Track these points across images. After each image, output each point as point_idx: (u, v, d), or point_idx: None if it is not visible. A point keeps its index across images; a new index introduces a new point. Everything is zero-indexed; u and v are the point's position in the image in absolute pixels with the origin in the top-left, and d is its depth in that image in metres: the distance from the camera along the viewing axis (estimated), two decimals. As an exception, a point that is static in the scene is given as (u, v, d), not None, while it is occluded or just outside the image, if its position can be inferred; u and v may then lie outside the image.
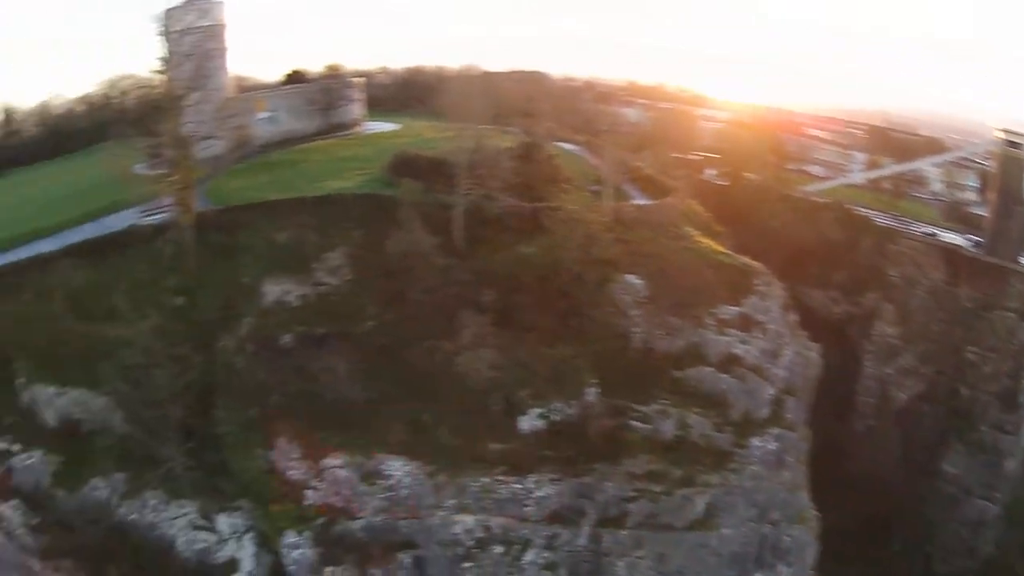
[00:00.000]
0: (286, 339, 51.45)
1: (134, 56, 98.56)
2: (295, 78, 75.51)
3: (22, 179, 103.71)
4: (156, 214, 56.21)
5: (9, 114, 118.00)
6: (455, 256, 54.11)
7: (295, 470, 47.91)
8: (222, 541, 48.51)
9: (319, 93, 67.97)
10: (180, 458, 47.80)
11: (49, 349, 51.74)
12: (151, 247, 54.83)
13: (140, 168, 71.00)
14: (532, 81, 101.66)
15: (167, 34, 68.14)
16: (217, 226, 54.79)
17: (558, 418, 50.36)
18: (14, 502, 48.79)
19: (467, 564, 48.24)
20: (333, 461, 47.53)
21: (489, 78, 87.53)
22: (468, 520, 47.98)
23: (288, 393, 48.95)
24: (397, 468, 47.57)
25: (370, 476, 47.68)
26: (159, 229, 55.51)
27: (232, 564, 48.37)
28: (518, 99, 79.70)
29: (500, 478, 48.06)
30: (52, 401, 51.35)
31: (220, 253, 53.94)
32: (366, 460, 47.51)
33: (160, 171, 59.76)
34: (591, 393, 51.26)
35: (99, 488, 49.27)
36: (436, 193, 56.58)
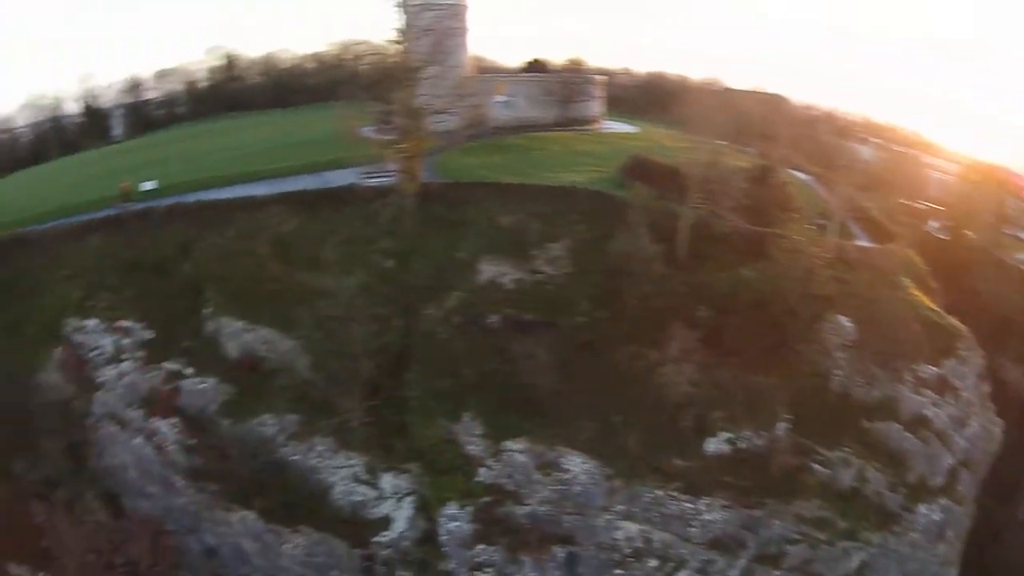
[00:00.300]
0: (493, 319, 51.56)
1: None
2: (535, 67, 75.81)
3: (242, 124, 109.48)
4: (379, 177, 57.56)
5: (232, 60, 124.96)
6: (675, 267, 52.81)
7: (474, 446, 48.14)
8: (381, 498, 49.12)
9: (558, 85, 67.77)
10: (359, 412, 48.46)
11: (245, 285, 53.56)
12: (368, 208, 55.76)
13: (367, 131, 73.49)
14: (772, 103, 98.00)
15: (406, 7, 69.86)
16: (441, 198, 55.52)
17: (744, 446, 49.05)
18: (174, 420, 50.93)
19: (619, 571, 47.61)
20: (514, 445, 47.47)
21: (730, 94, 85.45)
22: (632, 528, 47.25)
23: (484, 371, 49.12)
24: (576, 464, 47.22)
25: (547, 466, 47.45)
26: (380, 192, 56.49)
27: (385, 521, 49.02)
28: (757, 120, 76.99)
29: (673, 494, 47.23)
30: (238, 335, 52.78)
31: (438, 225, 54.63)
32: (547, 450, 47.17)
33: (389, 137, 61.24)
34: (781, 427, 49.63)
35: (267, 424, 50.43)
36: (666, 201, 55.09)
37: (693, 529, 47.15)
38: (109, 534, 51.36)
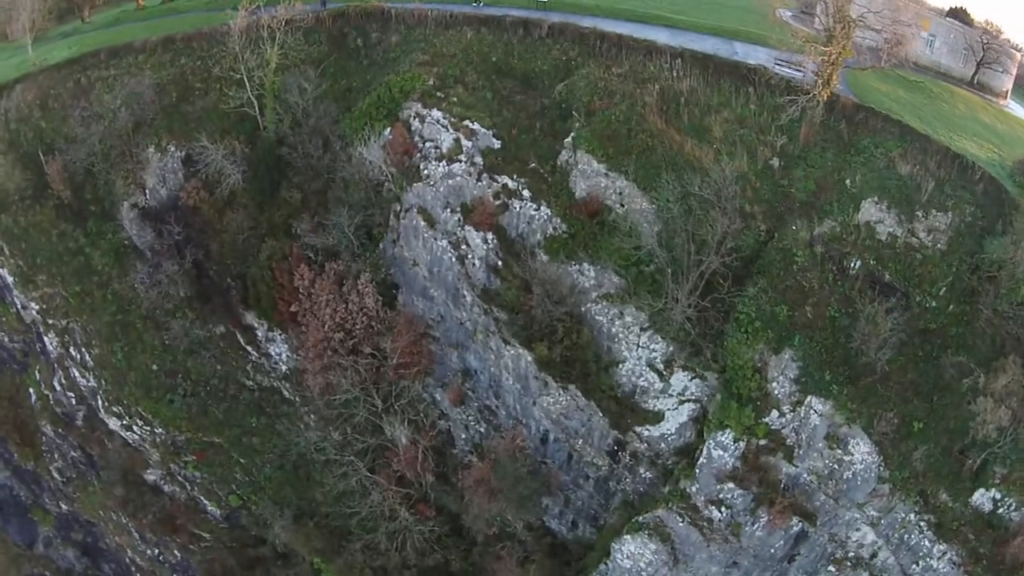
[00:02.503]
0: (855, 264, 45.04)
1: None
2: (956, 14, 67.04)
3: None
4: (791, 69, 50.84)
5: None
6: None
7: (779, 386, 42.96)
8: (665, 393, 44.76)
9: (978, 43, 59.47)
10: (686, 302, 43.49)
11: (617, 128, 47.09)
12: (772, 97, 48.69)
13: (787, 15, 66.23)
14: None
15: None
16: (845, 116, 48.40)
17: (1009, 515, 42.26)
18: (490, 235, 47.36)
19: (832, 568, 44.93)
20: (816, 403, 42.70)
21: None
22: (868, 536, 43.83)
23: (823, 314, 43.40)
24: (861, 451, 42.67)
25: (834, 439, 42.91)
26: (789, 85, 48.77)
27: (656, 416, 45.24)
28: None
29: (921, 526, 43.03)
30: (592, 176, 46.74)
31: (835, 142, 47.06)
32: (844, 424, 42.61)
33: (807, 29, 54.75)
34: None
35: (586, 275, 46.50)
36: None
37: (916, 568, 42.68)
38: (370, 319, 50.52)
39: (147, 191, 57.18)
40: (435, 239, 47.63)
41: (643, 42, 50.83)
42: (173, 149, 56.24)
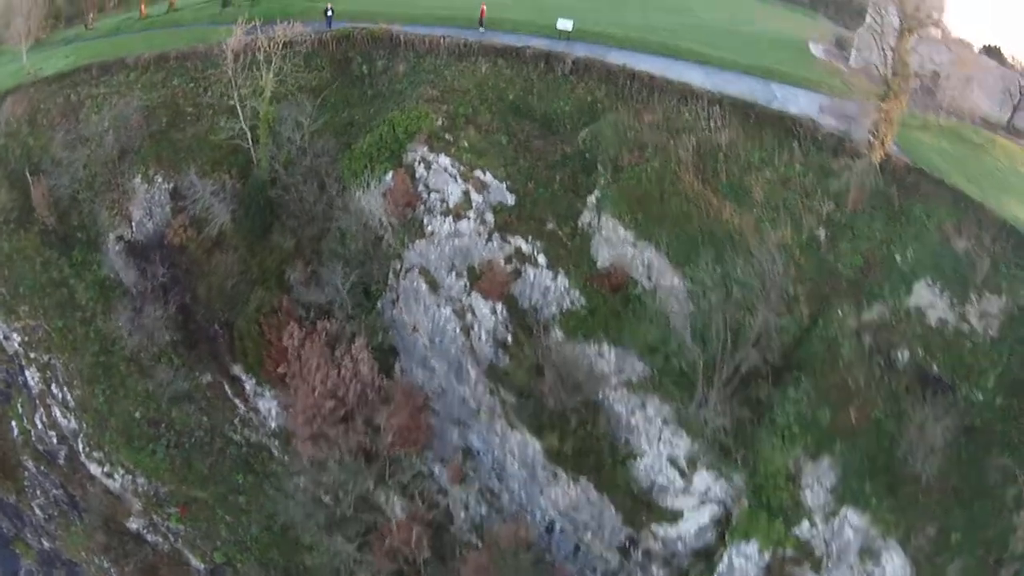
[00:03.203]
0: (903, 355, 36.83)
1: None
2: (991, 52, 58.01)
3: None
4: (841, 120, 41.82)
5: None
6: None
7: (812, 494, 35.69)
8: (686, 492, 37.72)
9: (1016, 85, 50.41)
10: (716, 395, 36.25)
11: (648, 189, 39.45)
12: (819, 154, 40.55)
13: (819, 50, 57.78)
14: None
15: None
16: (897, 179, 39.98)
17: None
18: (499, 306, 39.88)
19: None
20: (852, 515, 34.90)
21: None
22: None
23: (869, 416, 35.33)
24: (894, 565, 34.64)
25: (867, 553, 35.03)
26: (839, 140, 40.46)
27: (673, 515, 38.05)
28: None
29: None
30: (618, 244, 39.41)
31: (884, 209, 38.87)
32: (879, 536, 34.74)
33: (843, 68, 45.71)
34: None
35: (605, 357, 39.01)
36: None
37: None
38: (364, 387, 42.92)
39: (133, 224, 50.20)
40: (438, 305, 40.38)
41: (677, 85, 42.56)
42: (160, 180, 48.98)
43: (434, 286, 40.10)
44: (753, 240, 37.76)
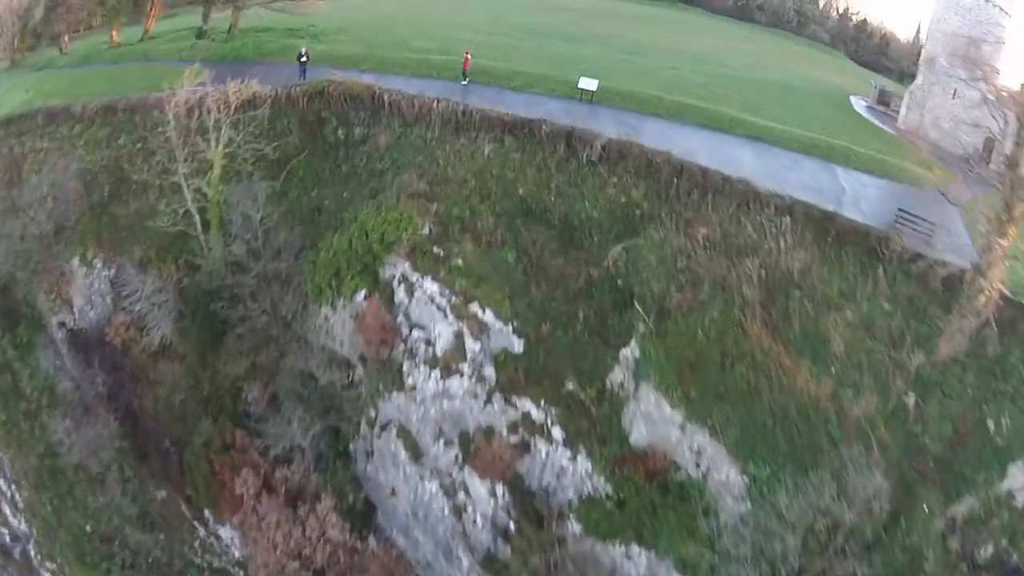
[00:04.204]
0: (987, 552, 22.62)
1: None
2: None
3: (690, 20, 70.01)
4: (922, 228, 27.09)
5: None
6: None
7: None
8: None
9: None
10: None
11: (702, 348, 25.01)
12: (908, 283, 25.58)
13: (862, 105, 43.89)
14: None
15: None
16: (993, 315, 25.35)
17: None
18: (501, 488, 25.39)
19: None
20: None
21: None
22: None
23: None
24: None
25: None
26: (928, 265, 25.45)
27: None
28: None
29: None
30: (660, 422, 24.75)
31: (982, 367, 24.75)
32: None
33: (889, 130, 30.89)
34: None
35: (634, 559, 24.64)
36: None
37: None
38: (335, 548, 29.59)
39: (75, 310, 36.12)
40: (421, 478, 26.70)
41: (736, 184, 27.49)
42: (100, 266, 35.06)
43: (416, 453, 26.35)
44: (831, 414, 23.67)
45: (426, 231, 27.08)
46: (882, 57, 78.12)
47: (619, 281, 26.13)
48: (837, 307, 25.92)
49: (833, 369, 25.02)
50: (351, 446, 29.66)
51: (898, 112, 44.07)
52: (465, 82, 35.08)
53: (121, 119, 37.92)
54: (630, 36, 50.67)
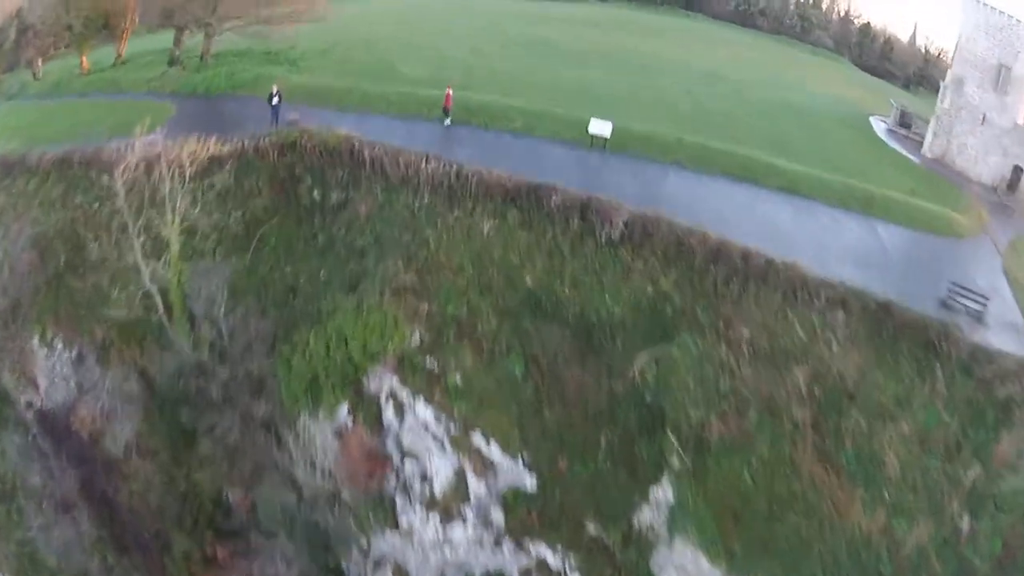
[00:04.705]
0: None
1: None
2: None
3: (693, 29, 61.42)
4: (975, 303, 21.23)
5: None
6: None
7: None
8: None
9: None
10: None
11: (745, 486, 19.13)
12: (967, 382, 19.48)
13: (882, 128, 39.19)
14: None
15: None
16: None
17: None
18: None
19: None
20: None
21: None
22: None
23: None
24: None
25: None
26: (988, 357, 19.59)
27: None
28: None
29: None
30: None
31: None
32: None
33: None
34: None
35: None
36: None
37: None
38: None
39: (41, 390, 30.21)
40: (421, 627, 20.49)
41: (780, 270, 21.04)
42: (61, 347, 28.90)
43: (414, 605, 20.96)
44: (883, 550, 18.09)
45: (416, 340, 21.13)
46: (886, 62, 70.27)
47: (647, 396, 20.22)
48: (892, 418, 19.99)
49: (887, 494, 19.35)
50: (343, 564, 24.49)
51: (920, 135, 38.51)
52: (448, 122, 28.59)
53: (77, 173, 31.36)
54: (636, 51, 43.34)
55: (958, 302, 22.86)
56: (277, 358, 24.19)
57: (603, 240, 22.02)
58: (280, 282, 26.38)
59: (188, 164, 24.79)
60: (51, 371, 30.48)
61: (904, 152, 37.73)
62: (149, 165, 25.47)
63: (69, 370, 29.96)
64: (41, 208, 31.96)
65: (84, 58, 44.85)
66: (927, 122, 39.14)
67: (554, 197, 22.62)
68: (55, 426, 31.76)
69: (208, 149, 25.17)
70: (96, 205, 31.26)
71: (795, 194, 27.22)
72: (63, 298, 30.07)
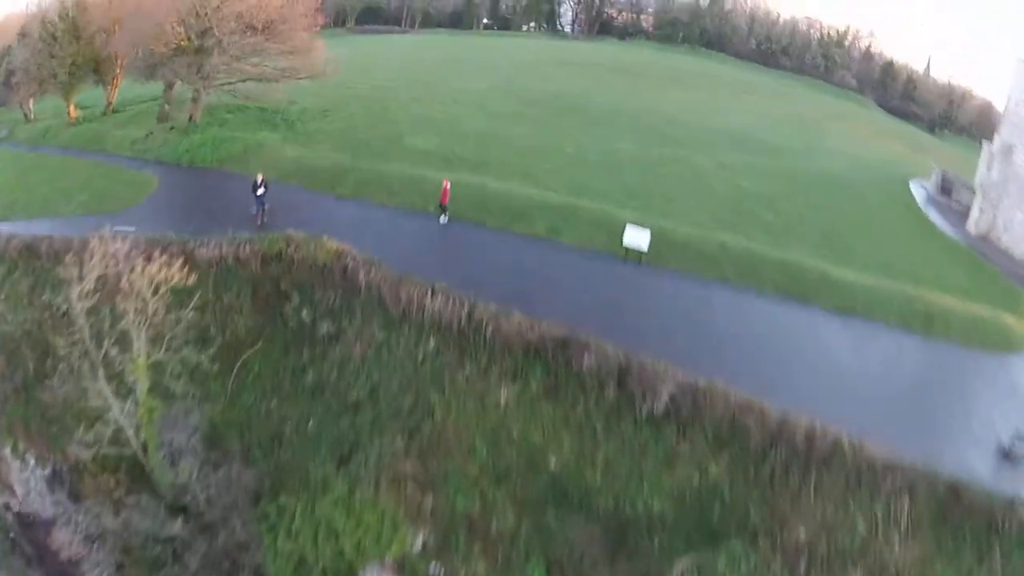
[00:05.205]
0: None
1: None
2: None
3: (714, 73, 55.54)
4: None
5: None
6: None
7: None
8: None
9: None
10: None
11: None
12: (1021, 542, 16.70)
13: (922, 195, 35.30)
14: None
15: None
16: None
17: None
18: None
19: None
20: None
21: None
22: None
23: None
24: None
25: None
26: None
27: None
28: None
29: None
30: None
31: None
32: None
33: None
34: None
35: None
36: None
37: None
38: None
39: (18, 495, 25.87)
40: None
41: (848, 451, 16.08)
42: (33, 463, 24.25)
43: None
44: None
45: (419, 544, 16.61)
46: (910, 102, 63.45)
47: (693, 618, 15.90)
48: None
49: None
50: None
51: (961, 203, 32.74)
52: (444, 219, 23.46)
53: (44, 266, 26.59)
54: (663, 112, 37.29)
55: (1020, 450, 18.37)
56: (262, 521, 19.81)
57: (643, 415, 17.35)
58: (265, 424, 21.72)
59: (151, 295, 19.90)
60: (26, 483, 26.31)
61: (949, 230, 32.90)
62: (110, 291, 20.60)
63: (43, 487, 25.75)
64: (7, 303, 27.25)
65: (72, 106, 39.32)
66: (967, 187, 33.75)
67: (587, 357, 17.75)
68: (35, 535, 27.88)
69: (175, 276, 20.12)
70: (64, 307, 26.63)
71: (851, 314, 22.24)
72: (32, 411, 25.60)
